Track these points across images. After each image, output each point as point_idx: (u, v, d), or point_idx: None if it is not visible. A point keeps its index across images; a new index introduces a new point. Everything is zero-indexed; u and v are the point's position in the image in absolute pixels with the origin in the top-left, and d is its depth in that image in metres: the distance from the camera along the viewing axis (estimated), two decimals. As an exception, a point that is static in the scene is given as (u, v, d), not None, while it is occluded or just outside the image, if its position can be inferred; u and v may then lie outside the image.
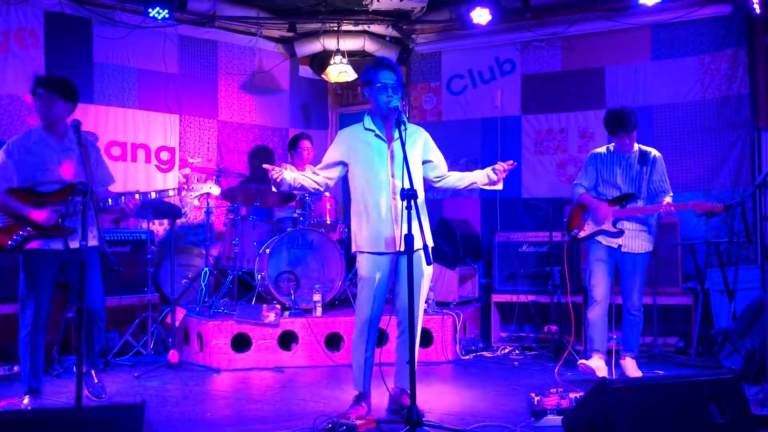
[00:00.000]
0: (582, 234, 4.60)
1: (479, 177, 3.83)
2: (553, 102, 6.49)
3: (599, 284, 4.52)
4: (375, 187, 3.62)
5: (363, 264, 3.66)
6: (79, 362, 3.23)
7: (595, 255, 4.57)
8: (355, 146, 3.69)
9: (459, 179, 3.87)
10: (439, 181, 3.86)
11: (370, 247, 3.63)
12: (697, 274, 5.19)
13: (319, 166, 3.80)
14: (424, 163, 3.78)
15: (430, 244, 3.60)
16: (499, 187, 3.83)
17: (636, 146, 4.55)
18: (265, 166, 3.66)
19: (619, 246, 4.49)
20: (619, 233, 4.46)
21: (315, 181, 3.75)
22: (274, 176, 3.57)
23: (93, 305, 3.95)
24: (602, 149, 4.67)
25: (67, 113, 3.89)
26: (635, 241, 4.49)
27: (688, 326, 5.33)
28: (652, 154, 4.53)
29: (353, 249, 3.73)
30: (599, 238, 4.53)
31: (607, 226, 4.49)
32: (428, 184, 3.88)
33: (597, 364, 4.43)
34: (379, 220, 3.60)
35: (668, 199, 4.42)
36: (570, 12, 6.25)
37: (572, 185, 4.75)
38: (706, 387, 2.71)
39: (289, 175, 3.64)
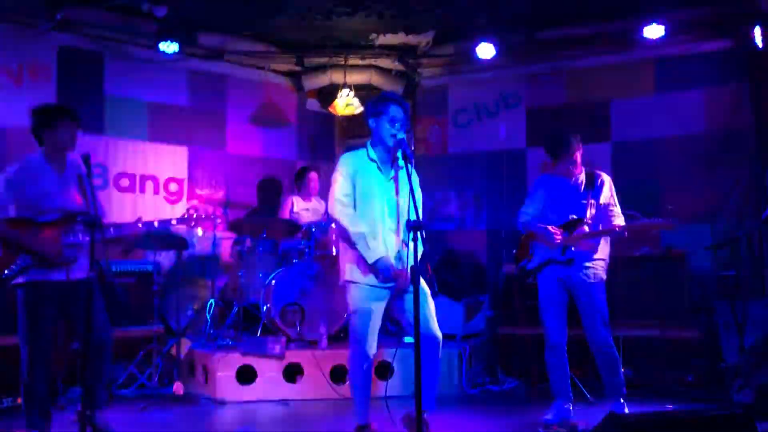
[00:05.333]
0: (531, 265, 4.30)
1: None
2: (558, 135, 6.52)
3: (553, 327, 4.17)
4: (374, 218, 3.60)
5: (358, 295, 3.60)
6: (83, 395, 3.21)
7: (544, 293, 4.23)
8: (359, 171, 3.69)
9: None
10: None
11: (368, 279, 3.57)
12: (705, 307, 5.15)
13: (345, 196, 3.68)
14: None
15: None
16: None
17: (583, 170, 4.28)
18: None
19: (569, 277, 4.14)
20: (568, 263, 4.15)
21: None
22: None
23: (102, 335, 3.77)
24: (549, 173, 4.41)
25: None
26: (586, 270, 4.12)
27: (697, 360, 5.26)
28: (600, 177, 4.27)
29: (345, 278, 3.63)
30: (548, 270, 4.20)
31: (556, 254, 4.16)
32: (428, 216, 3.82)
33: (560, 418, 4.12)
34: (380, 252, 3.56)
35: (619, 223, 4.13)
36: (575, 46, 6.33)
37: (517, 213, 4.38)
38: (718, 422, 2.67)
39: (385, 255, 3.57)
